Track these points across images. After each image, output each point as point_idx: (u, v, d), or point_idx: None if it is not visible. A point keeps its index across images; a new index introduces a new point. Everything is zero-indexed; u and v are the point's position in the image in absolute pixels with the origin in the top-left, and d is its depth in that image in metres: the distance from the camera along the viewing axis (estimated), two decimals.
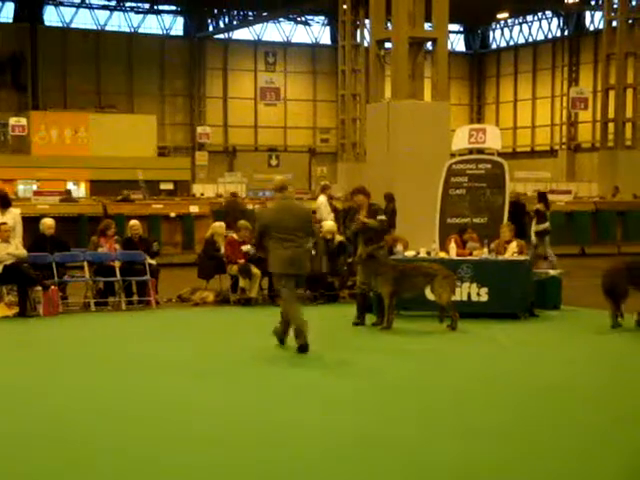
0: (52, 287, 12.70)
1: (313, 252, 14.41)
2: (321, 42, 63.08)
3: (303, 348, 9.59)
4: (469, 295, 12.16)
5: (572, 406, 7.48)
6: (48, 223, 13.88)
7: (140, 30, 58.73)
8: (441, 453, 6.11)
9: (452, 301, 11.44)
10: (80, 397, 7.74)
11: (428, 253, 12.73)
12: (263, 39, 61.43)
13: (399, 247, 13.15)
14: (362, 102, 42.22)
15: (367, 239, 11.56)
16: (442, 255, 12.65)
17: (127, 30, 58.24)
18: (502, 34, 65.57)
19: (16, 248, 12.78)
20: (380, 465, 5.84)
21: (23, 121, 46.16)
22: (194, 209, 21.80)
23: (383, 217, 11.71)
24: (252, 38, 61.18)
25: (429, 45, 20.41)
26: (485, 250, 12.49)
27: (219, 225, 14.98)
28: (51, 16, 55.97)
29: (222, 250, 14.20)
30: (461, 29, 65.97)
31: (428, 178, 15.79)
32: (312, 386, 8.34)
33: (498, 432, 6.64)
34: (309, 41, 62.99)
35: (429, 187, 15.18)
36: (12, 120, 46.19)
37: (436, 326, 11.36)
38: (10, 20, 54.36)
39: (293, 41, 62.42)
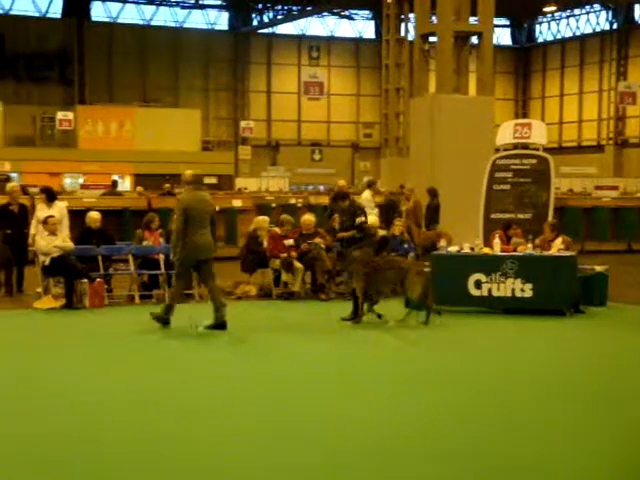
0: (98, 279, 12.86)
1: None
2: (365, 36, 62.96)
3: (162, 320, 10.68)
4: (513, 291, 12.05)
5: (605, 405, 7.34)
6: (94, 216, 14.06)
7: (185, 25, 59.18)
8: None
9: (425, 296, 11.17)
10: (119, 392, 7.72)
11: (472, 248, 12.64)
12: (307, 33, 61.46)
13: (442, 242, 13.09)
14: (406, 96, 41.99)
15: (351, 239, 11.56)
16: (486, 250, 12.56)
17: (173, 25, 58.72)
18: (549, 28, 64.83)
19: (63, 241, 12.98)
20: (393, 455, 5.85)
21: (70, 115, 46.82)
22: (237, 203, 21.97)
23: (362, 219, 11.57)
24: (296, 32, 61.26)
25: (474, 39, 20.28)
26: (530, 246, 12.37)
27: (262, 219, 15.02)
28: (98, 11, 56.68)
29: (265, 244, 14.24)
30: (507, 23, 65.33)
31: (472, 173, 15.70)
32: (332, 382, 8.35)
33: (508, 429, 6.60)
34: (353, 35, 62.91)
35: (473, 182, 15.09)
36: (59, 114, 46.86)
37: (469, 320, 11.29)
38: (58, 15, 55.12)
39: (337, 35, 62.36)
